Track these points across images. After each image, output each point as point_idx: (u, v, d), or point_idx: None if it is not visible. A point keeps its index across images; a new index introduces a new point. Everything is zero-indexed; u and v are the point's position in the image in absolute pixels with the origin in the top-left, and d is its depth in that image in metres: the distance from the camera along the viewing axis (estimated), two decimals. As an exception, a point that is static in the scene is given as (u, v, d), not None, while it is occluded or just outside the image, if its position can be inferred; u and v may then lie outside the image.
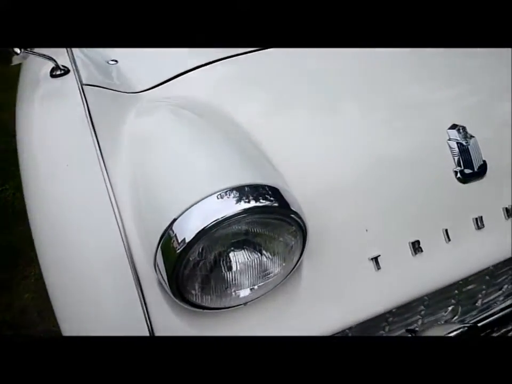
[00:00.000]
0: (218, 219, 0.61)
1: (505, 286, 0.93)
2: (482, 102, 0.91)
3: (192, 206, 0.61)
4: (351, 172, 0.78)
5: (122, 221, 0.67)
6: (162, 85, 0.84)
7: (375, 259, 0.75)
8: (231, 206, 0.61)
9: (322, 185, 0.76)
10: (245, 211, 0.61)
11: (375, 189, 0.78)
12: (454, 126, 0.85)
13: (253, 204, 0.62)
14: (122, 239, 0.65)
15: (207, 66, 0.90)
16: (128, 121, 0.77)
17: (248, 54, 0.93)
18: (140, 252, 0.66)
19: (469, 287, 0.86)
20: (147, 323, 0.63)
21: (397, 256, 0.77)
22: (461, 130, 0.84)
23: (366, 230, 0.76)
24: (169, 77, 0.86)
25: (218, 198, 0.62)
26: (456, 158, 0.83)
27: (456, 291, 0.85)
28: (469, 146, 0.84)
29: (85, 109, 0.75)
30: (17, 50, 0.74)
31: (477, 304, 0.92)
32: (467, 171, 0.83)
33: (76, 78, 0.80)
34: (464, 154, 0.83)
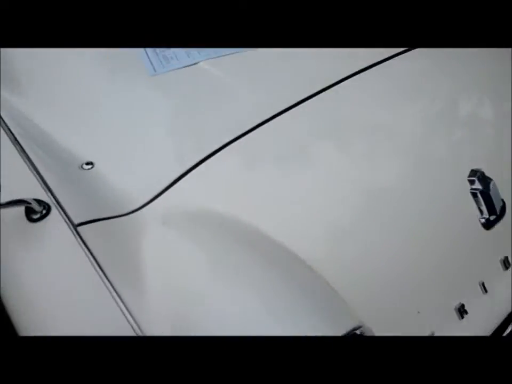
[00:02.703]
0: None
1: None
2: (489, 135, 0.89)
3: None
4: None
5: None
6: (165, 194, 0.71)
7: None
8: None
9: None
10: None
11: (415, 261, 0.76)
12: (473, 173, 0.82)
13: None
14: None
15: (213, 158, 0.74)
16: (141, 252, 0.65)
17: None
18: None
19: None
20: None
21: (446, 324, 0.77)
22: (481, 176, 0.82)
23: (418, 312, 0.74)
24: (172, 179, 0.72)
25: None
26: (481, 208, 0.81)
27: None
28: (490, 192, 0.82)
29: (86, 254, 0.62)
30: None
31: None
32: (492, 217, 0.82)
33: (63, 217, 0.65)
34: (487, 201, 0.82)
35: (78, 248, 0.63)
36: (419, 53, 0.93)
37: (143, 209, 0.69)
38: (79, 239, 0.63)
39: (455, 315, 0.77)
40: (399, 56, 0.91)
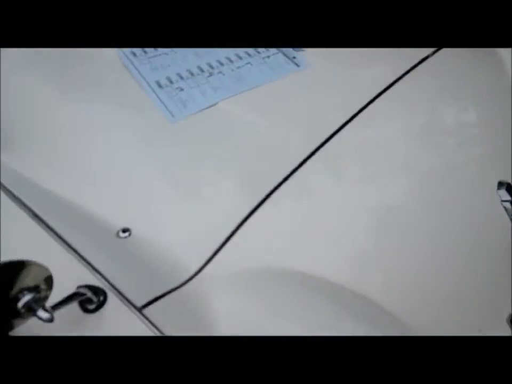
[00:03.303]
0: None
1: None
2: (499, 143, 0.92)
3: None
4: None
5: None
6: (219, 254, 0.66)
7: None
8: None
9: None
10: None
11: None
12: (500, 185, 0.84)
13: None
14: None
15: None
16: (211, 319, 0.60)
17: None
18: None
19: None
20: None
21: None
22: (508, 187, 0.84)
23: (479, 331, 0.75)
24: (220, 242, 0.67)
25: None
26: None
27: None
28: (518, 201, 0.85)
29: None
30: (45, 314, 0.48)
31: None
32: (521, 225, 0.85)
33: (124, 302, 0.57)
34: (517, 210, 0.85)
35: (147, 332, 0.56)
36: (420, 72, 0.94)
37: (199, 275, 0.64)
38: (147, 322, 0.57)
39: (508, 329, 0.79)
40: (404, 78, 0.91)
